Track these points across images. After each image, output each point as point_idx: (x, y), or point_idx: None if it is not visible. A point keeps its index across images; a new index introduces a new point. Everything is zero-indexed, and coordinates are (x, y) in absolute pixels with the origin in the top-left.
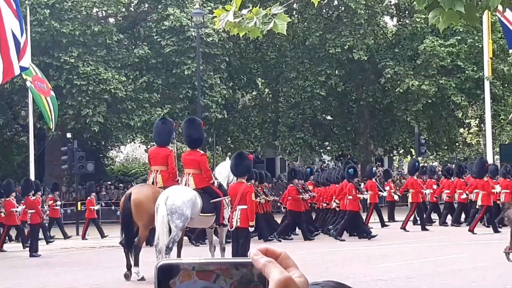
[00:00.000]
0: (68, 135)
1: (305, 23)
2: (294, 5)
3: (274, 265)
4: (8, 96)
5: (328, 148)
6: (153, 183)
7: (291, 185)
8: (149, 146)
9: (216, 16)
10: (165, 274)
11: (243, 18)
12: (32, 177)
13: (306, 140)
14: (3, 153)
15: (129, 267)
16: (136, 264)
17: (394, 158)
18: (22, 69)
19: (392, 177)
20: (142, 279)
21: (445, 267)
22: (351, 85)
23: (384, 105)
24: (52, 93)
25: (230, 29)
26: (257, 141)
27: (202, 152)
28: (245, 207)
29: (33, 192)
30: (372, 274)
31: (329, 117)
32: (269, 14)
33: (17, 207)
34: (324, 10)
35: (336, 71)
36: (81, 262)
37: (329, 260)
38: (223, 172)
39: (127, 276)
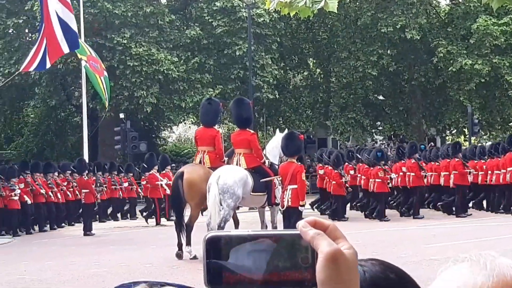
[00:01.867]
0: (121, 115)
1: (357, 3)
2: None
3: (323, 237)
4: (62, 77)
5: (380, 128)
6: (200, 163)
7: (336, 171)
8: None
9: None
10: (214, 246)
11: None
12: (85, 157)
13: (358, 120)
14: (58, 134)
15: (180, 246)
16: (188, 243)
17: (447, 138)
18: (73, 47)
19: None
20: (194, 258)
21: (498, 247)
22: (403, 65)
23: (437, 84)
24: (105, 73)
25: (281, 8)
26: (309, 121)
27: (252, 131)
28: (295, 186)
29: (86, 172)
30: (424, 254)
31: (381, 97)
32: None
33: (161, 180)
34: None
35: (388, 51)
36: (134, 241)
37: (380, 240)
38: (272, 151)
39: (179, 256)
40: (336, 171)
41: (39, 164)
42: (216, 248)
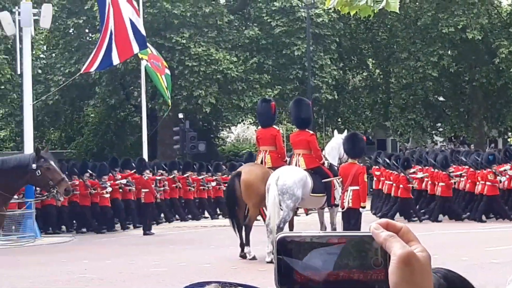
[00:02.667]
0: (180, 115)
1: (417, 3)
2: None
3: (396, 239)
4: (121, 77)
5: (440, 129)
6: (261, 163)
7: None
8: (259, 127)
9: None
10: (285, 246)
11: None
12: (145, 157)
13: (418, 121)
14: (117, 133)
15: (243, 247)
16: (247, 244)
17: (509, 140)
18: (141, 46)
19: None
20: (254, 258)
21: None
22: (464, 66)
23: (498, 86)
24: (167, 71)
25: (340, 8)
26: (368, 122)
27: (311, 132)
28: (357, 188)
29: (147, 171)
30: (485, 257)
31: (441, 98)
32: None
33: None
34: None
35: (449, 51)
36: (193, 241)
37: (440, 243)
38: (332, 152)
39: (244, 257)
40: (402, 174)
41: (117, 161)
42: (287, 249)
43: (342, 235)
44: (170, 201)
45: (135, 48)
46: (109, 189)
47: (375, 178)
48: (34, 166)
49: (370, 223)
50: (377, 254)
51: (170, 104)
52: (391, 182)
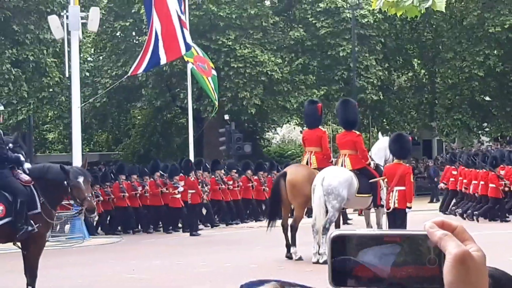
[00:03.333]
0: (226, 117)
1: (463, 2)
2: None
3: (451, 238)
4: (168, 79)
5: (487, 129)
6: (307, 163)
7: (493, 173)
8: (304, 128)
9: None
10: (338, 245)
11: None
12: (191, 158)
13: (464, 121)
14: (163, 135)
15: (289, 248)
16: (293, 244)
17: None
18: (188, 47)
19: None
20: (300, 259)
21: None
22: (510, 65)
23: None
24: (214, 72)
25: (387, 9)
26: (413, 122)
27: (357, 133)
28: (403, 188)
29: (193, 172)
30: None
31: (487, 98)
32: None
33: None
34: None
35: (495, 51)
36: (240, 241)
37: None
38: (379, 153)
39: (290, 257)
40: (493, 172)
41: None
42: (342, 247)
43: (397, 233)
44: (243, 202)
45: (183, 49)
46: (181, 189)
47: (452, 179)
48: (65, 183)
49: (417, 223)
50: (432, 252)
51: (217, 106)
52: (476, 182)
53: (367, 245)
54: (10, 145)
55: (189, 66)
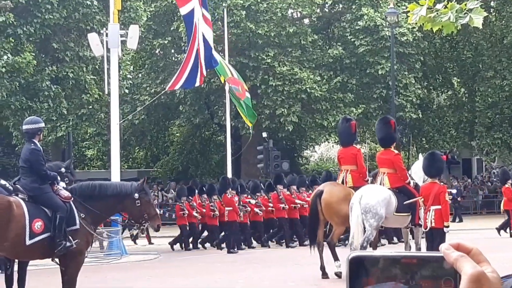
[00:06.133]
0: (264, 134)
1: (503, 21)
2: (492, 3)
3: (467, 259)
4: (206, 96)
5: None
6: (342, 182)
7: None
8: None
9: (409, 11)
10: (357, 266)
11: (437, 13)
12: (229, 175)
13: (505, 140)
14: (202, 152)
15: (323, 269)
16: (336, 259)
17: None
18: (207, 67)
19: None
20: (339, 275)
21: None
22: None
23: None
24: (247, 94)
25: (423, 24)
26: (453, 141)
27: (396, 151)
28: (439, 207)
29: (230, 189)
30: None
31: None
32: (465, 8)
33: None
34: None
35: None
36: (278, 259)
37: None
38: (418, 172)
39: (326, 276)
40: None
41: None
42: (360, 268)
43: (414, 255)
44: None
45: (204, 70)
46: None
47: (504, 198)
48: (136, 196)
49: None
50: (448, 274)
51: (251, 126)
52: None
53: (385, 267)
54: (63, 169)
55: (227, 87)
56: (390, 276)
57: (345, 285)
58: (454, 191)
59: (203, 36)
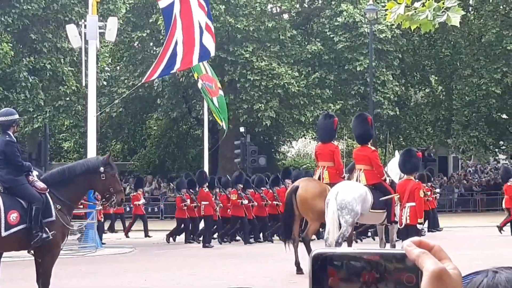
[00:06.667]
0: (241, 129)
1: (481, 20)
2: (470, 1)
3: (428, 255)
4: (184, 90)
5: (503, 147)
6: (319, 178)
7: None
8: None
9: (387, 9)
10: (320, 263)
11: (415, 12)
12: (206, 170)
13: (481, 138)
14: (179, 146)
15: (298, 264)
16: (309, 253)
17: None
18: (201, 58)
19: None
20: None
21: None
22: None
23: None
24: (221, 92)
25: (401, 22)
26: (430, 139)
27: (373, 148)
28: (413, 204)
29: (207, 184)
30: None
31: (504, 116)
32: (442, 7)
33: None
34: (501, 7)
35: None
36: (254, 254)
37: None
38: (395, 169)
39: (301, 272)
40: None
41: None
42: (323, 265)
43: (377, 252)
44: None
45: (195, 60)
46: (245, 201)
47: (506, 196)
48: (102, 169)
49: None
50: (410, 271)
51: (222, 125)
52: None
53: (348, 264)
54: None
55: (200, 85)
56: (353, 273)
57: (308, 282)
58: (437, 195)
59: (199, 24)
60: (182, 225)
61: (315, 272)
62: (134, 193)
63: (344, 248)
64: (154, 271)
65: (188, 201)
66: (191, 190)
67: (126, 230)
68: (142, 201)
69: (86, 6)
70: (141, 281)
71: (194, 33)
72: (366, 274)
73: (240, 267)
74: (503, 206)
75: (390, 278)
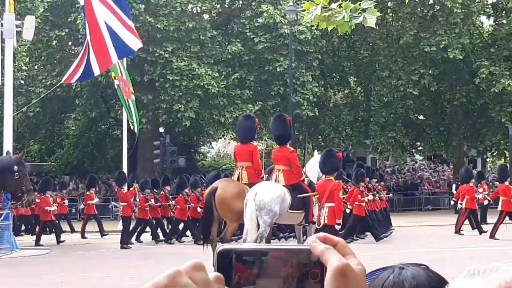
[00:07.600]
0: (161, 129)
1: (399, 22)
2: (389, 3)
3: (333, 251)
4: (103, 90)
5: (420, 148)
6: (238, 179)
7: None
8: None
9: (305, 10)
10: (226, 259)
11: (332, 12)
12: (125, 170)
13: (398, 139)
14: (97, 146)
15: (215, 266)
16: None
17: (488, 160)
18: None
19: (486, 180)
20: None
21: None
22: (444, 85)
23: (478, 105)
24: (133, 96)
25: (318, 23)
26: (348, 139)
27: (292, 148)
28: (332, 204)
29: (126, 184)
30: None
31: (421, 117)
32: (359, 8)
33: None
34: (419, 9)
35: (430, 71)
36: (172, 255)
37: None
38: (313, 169)
39: None
40: None
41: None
42: (228, 261)
43: (282, 248)
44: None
45: (114, 58)
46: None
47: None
48: (15, 168)
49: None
50: (314, 267)
51: (133, 128)
52: None
53: (253, 260)
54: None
55: (116, 84)
56: (259, 269)
57: None
58: (391, 194)
59: (105, 23)
60: (142, 225)
61: (221, 268)
62: (87, 192)
63: (250, 244)
64: (70, 272)
65: (153, 201)
66: (154, 190)
67: (81, 231)
68: (96, 200)
69: (3, 4)
70: (57, 282)
71: (102, 32)
72: (271, 269)
73: (157, 268)
74: (499, 208)
75: (296, 274)
